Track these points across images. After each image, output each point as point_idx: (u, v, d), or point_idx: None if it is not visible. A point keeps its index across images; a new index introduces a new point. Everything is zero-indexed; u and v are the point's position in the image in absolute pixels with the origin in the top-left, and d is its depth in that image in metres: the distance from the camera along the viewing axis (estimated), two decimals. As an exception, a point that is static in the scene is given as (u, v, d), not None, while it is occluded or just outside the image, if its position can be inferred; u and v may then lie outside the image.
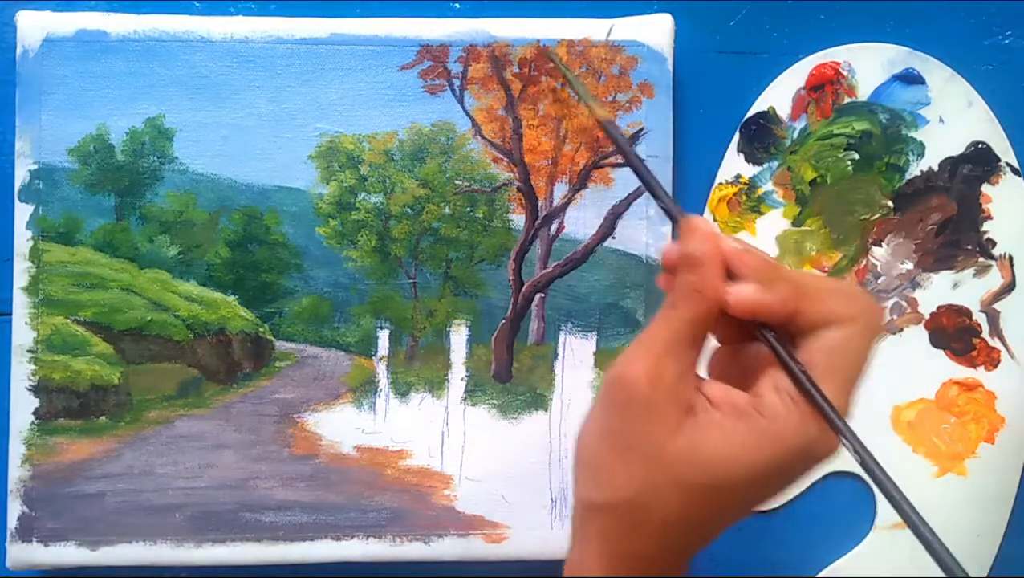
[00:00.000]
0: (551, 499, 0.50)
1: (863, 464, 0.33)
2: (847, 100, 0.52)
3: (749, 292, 0.34)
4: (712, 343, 0.36)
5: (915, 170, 0.52)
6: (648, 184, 0.39)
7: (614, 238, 0.51)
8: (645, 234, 0.51)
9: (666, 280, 0.36)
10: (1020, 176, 0.52)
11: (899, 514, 0.32)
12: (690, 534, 0.34)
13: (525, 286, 0.51)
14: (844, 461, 0.52)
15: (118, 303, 0.50)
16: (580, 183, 0.51)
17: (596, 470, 0.35)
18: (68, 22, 0.49)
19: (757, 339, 0.35)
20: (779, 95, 0.52)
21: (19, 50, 0.49)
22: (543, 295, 0.51)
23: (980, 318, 0.52)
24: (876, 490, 0.51)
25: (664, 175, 0.50)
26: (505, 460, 0.50)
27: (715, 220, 0.52)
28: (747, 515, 0.35)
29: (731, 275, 0.34)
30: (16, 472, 0.48)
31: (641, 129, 0.50)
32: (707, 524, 0.34)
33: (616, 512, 0.34)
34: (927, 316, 0.52)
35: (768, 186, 0.52)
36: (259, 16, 0.51)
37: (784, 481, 0.34)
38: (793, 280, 0.34)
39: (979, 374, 0.52)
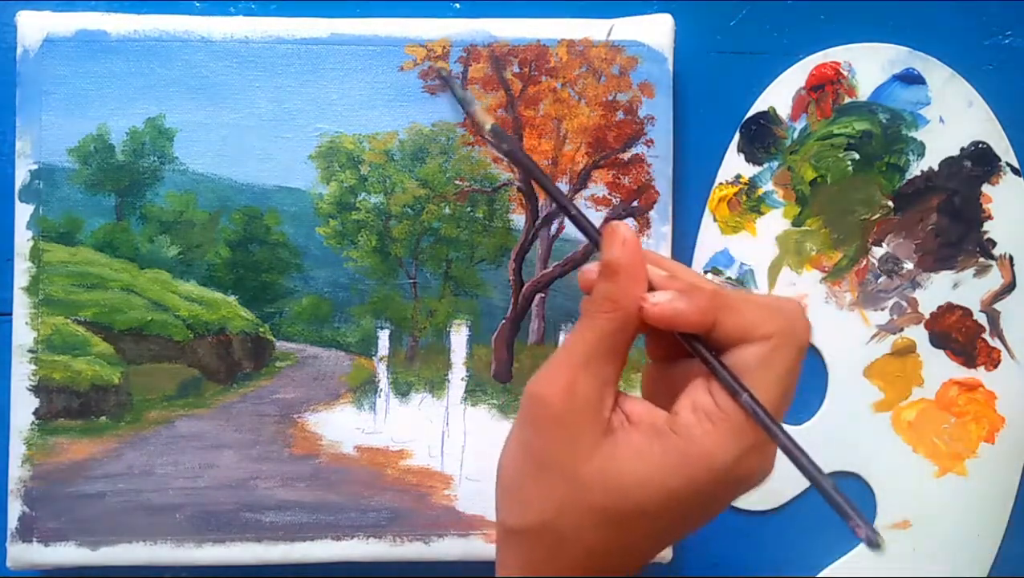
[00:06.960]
0: (551, 499, 0.50)
1: (801, 468, 0.30)
2: (847, 100, 0.52)
3: (665, 299, 0.31)
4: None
5: (915, 170, 0.52)
6: (554, 197, 0.35)
7: (614, 238, 0.51)
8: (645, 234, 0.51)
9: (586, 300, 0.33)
10: (1020, 176, 0.52)
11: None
12: (612, 562, 0.32)
13: (525, 286, 0.51)
14: (844, 461, 0.52)
15: (118, 303, 0.50)
16: (580, 183, 0.51)
17: (514, 492, 0.33)
18: (68, 22, 0.49)
19: (689, 356, 0.32)
20: (779, 95, 0.52)
21: (19, 50, 0.49)
22: (543, 295, 0.51)
23: (980, 318, 0.52)
24: (875, 490, 0.51)
25: (664, 175, 0.51)
26: (505, 460, 0.50)
27: (715, 220, 0.52)
28: (673, 542, 0.31)
29: (651, 286, 0.32)
30: (16, 472, 0.48)
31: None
32: (630, 552, 0.32)
33: (534, 537, 0.32)
34: (927, 316, 0.52)
35: (768, 186, 0.52)
36: (259, 16, 0.51)
37: (705, 506, 0.32)
38: (712, 290, 0.32)
39: (979, 374, 0.52)
